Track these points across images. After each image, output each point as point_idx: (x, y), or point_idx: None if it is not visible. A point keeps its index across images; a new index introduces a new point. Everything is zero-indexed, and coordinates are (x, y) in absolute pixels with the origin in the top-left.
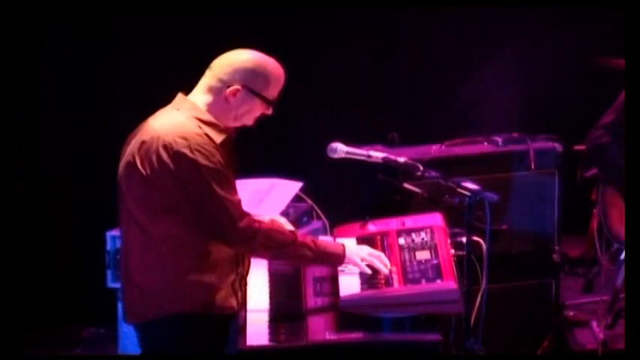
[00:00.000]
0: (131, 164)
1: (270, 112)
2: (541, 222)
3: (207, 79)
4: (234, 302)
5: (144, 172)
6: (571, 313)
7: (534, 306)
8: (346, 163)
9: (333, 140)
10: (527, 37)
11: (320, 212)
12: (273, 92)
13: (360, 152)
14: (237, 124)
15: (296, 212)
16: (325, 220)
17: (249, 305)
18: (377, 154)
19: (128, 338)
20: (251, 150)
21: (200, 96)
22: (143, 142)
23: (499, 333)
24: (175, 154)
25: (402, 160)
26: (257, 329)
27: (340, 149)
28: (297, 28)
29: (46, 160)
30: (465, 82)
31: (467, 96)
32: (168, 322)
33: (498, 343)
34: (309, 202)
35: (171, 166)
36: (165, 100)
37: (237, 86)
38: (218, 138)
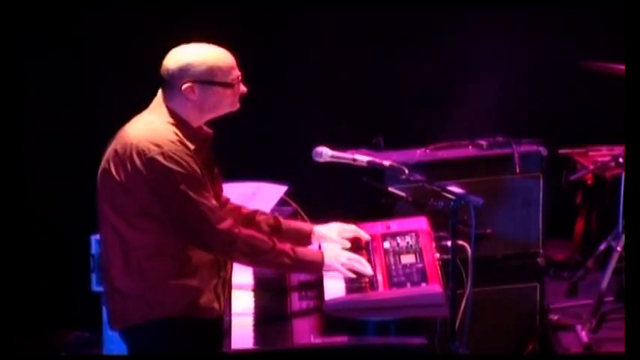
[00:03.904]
0: (106, 171)
1: (242, 89)
2: (526, 226)
3: (163, 83)
4: (217, 306)
5: (118, 179)
6: (555, 317)
7: (519, 310)
8: (331, 166)
9: (319, 144)
10: (511, 40)
11: (305, 216)
12: (226, 74)
13: (345, 156)
14: (220, 113)
15: (281, 216)
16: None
17: (234, 308)
18: (362, 158)
19: (113, 342)
20: (236, 153)
21: (167, 100)
22: (117, 149)
23: (484, 337)
24: (148, 162)
25: (387, 163)
26: (242, 332)
27: (325, 153)
28: (282, 30)
29: (29, 164)
30: (450, 85)
31: (451, 99)
32: (152, 327)
33: (483, 347)
34: (294, 205)
35: (145, 173)
36: (148, 102)
37: (188, 83)
38: (193, 143)
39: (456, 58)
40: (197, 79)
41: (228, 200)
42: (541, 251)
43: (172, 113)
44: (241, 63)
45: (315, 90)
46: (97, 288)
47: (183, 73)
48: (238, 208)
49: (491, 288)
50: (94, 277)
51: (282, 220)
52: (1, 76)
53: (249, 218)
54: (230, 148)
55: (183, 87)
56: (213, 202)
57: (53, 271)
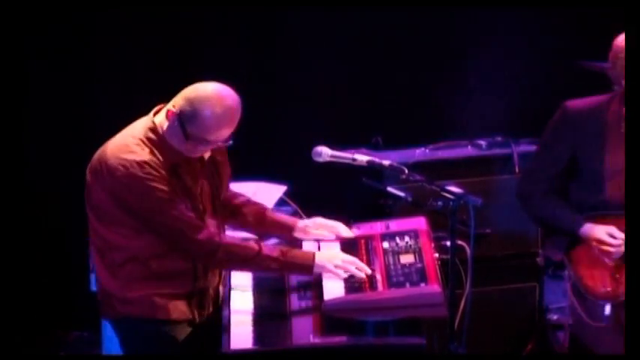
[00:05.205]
0: (86, 177)
1: (202, 151)
2: (525, 225)
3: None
4: (189, 313)
5: (92, 188)
6: (554, 317)
7: (518, 309)
8: (331, 166)
9: (318, 144)
10: (510, 39)
11: (304, 216)
12: (197, 130)
13: (344, 156)
14: (177, 150)
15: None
16: None
17: (233, 307)
18: (362, 158)
19: (112, 342)
20: (236, 153)
21: (160, 111)
22: (95, 159)
23: (483, 336)
24: (116, 181)
25: (386, 163)
26: (241, 332)
27: (325, 153)
28: (281, 30)
29: (29, 164)
30: (449, 85)
31: (451, 99)
32: (122, 322)
33: (482, 347)
34: (294, 205)
35: (113, 190)
36: (147, 102)
37: (174, 109)
38: (169, 160)
39: (455, 57)
40: (180, 111)
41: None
42: (540, 251)
43: (156, 129)
44: (242, 62)
45: (315, 90)
46: (95, 288)
47: (180, 99)
48: (233, 196)
49: (491, 288)
50: (93, 277)
51: (268, 212)
52: (1, 76)
53: (236, 209)
54: (230, 148)
55: (169, 108)
56: (188, 213)
57: (53, 271)
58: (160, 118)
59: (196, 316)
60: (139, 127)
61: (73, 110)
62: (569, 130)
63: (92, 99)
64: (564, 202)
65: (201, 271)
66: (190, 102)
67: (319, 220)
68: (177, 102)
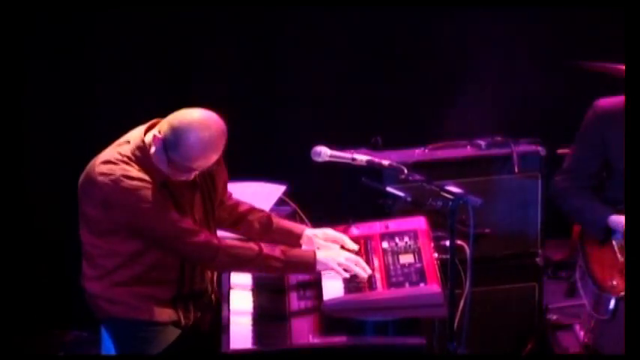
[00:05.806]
0: (78, 185)
1: (185, 177)
2: (524, 225)
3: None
4: (174, 316)
5: (83, 202)
6: (554, 317)
7: (517, 309)
8: (330, 166)
9: (317, 143)
10: (509, 39)
11: (303, 215)
12: (179, 158)
13: (344, 155)
14: (161, 171)
15: (279, 215)
16: (309, 224)
17: (233, 307)
18: (361, 157)
19: (111, 342)
20: (236, 153)
21: (151, 131)
22: (82, 175)
23: (482, 336)
24: (105, 196)
25: (386, 163)
26: (241, 332)
27: (324, 153)
28: (281, 29)
29: (29, 163)
30: (448, 85)
31: (450, 99)
32: (109, 322)
33: (481, 347)
34: (293, 205)
35: (105, 205)
36: (147, 103)
37: (160, 134)
38: (156, 179)
39: (455, 57)
40: (164, 138)
41: (230, 195)
42: (539, 251)
43: (144, 145)
44: (242, 63)
45: (315, 90)
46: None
47: (166, 125)
48: (237, 205)
49: (490, 288)
50: None
51: (274, 219)
52: (1, 76)
53: (241, 217)
54: (230, 147)
55: (155, 132)
56: (183, 219)
57: (52, 270)
58: (149, 137)
59: (182, 319)
60: (128, 144)
61: (72, 110)
62: (599, 130)
63: (92, 99)
64: (597, 197)
65: (188, 278)
66: (173, 130)
67: (328, 232)
68: (162, 127)
